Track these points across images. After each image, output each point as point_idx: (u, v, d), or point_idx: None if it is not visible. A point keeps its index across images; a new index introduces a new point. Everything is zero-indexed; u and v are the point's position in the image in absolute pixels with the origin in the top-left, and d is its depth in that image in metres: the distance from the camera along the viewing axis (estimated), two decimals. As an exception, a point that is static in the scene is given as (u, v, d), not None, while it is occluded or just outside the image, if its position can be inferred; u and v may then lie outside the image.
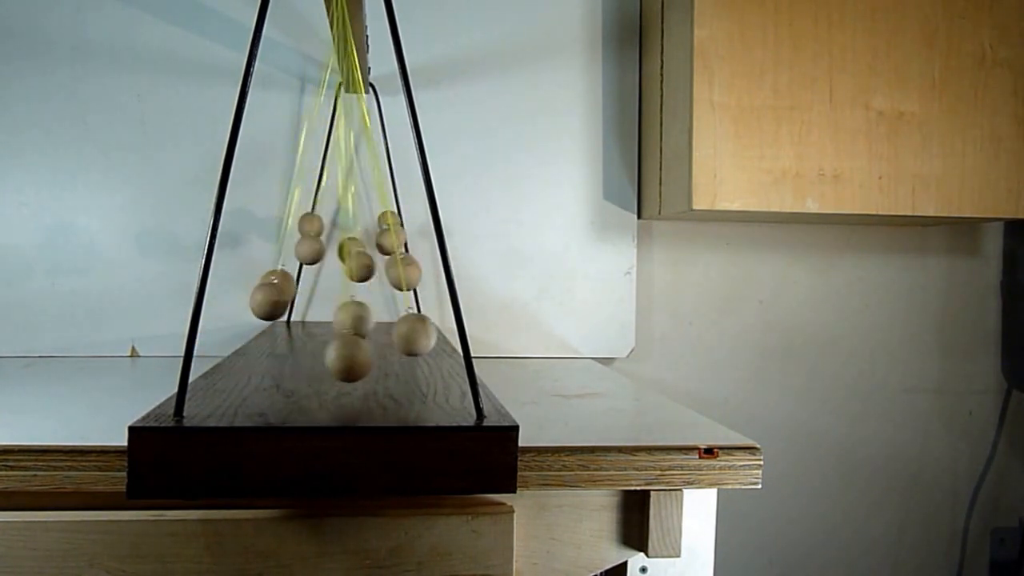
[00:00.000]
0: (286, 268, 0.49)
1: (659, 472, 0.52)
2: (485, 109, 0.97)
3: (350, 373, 0.43)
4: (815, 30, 0.85)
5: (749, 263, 1.06)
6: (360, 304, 0.47)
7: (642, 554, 0.55)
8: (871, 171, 0.86)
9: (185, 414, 0.42)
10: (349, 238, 0.71)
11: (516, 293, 0.98)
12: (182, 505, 0.50)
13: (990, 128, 0.88)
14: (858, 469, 1.09)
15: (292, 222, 0.88)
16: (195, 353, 0.42)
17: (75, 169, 0.91)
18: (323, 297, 0.95)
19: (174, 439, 0.40)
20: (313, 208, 0.89)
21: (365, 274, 0.60)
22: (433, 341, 0.45)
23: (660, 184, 0.92)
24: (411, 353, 0.45)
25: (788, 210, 0.84)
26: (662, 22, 0.92)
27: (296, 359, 0.65)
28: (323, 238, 0.83)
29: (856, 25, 0.85)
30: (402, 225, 0.91)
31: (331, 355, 0.43)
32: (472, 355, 0.46)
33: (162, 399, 0.45)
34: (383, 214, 0.85)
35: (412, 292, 0.93)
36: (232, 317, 0.92)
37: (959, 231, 1.10)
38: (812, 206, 0.85)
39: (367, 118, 0.91)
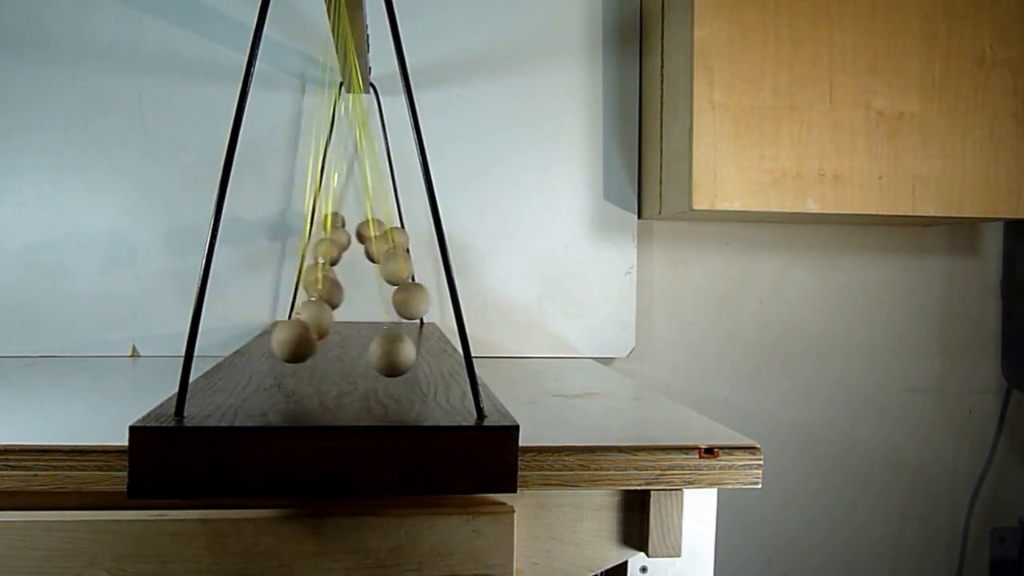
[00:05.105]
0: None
1: (659, 472, 0.52)
2: (485, 109, 0.97)
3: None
4: (815, 30, 0.85)
5: (749, 263, 1.06)
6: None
7: (642, 554, 0.56)
8: (871, 171, 0.86)
9: (186, 414, 0.42)
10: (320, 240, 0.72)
11: (516, 293, 0.98)
12: (182, 505, 0.50)
13: (990, 128, 0.88)
14: (858, 469, 1.09)
15: (311, 227, 0.89)
16: (196, 353, 0.42)
17: (75, 169, 0.91)
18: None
19: (174, 439, 0.40)
20: (313, 209, 0.89)
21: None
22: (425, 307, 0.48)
23: (660, 184, 0.92)
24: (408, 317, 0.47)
25: (788, 210, 0.84)
26: (662, 22, 0.92)
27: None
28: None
29: (856, 25, 0.85)
30: (402, 225, 0.91)
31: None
32: (472, 355, 0.46)
33: (163, 399, 0.45)
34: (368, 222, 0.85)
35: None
36: (232, 317, 0.92)
37: (959, 231, 1.10)
38: (812, 206, 0.85)
39: (364, 118, 0.91)
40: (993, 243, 1.11)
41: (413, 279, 0.94)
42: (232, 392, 0.49)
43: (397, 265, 0.59)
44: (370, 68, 0.89)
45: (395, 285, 0.54)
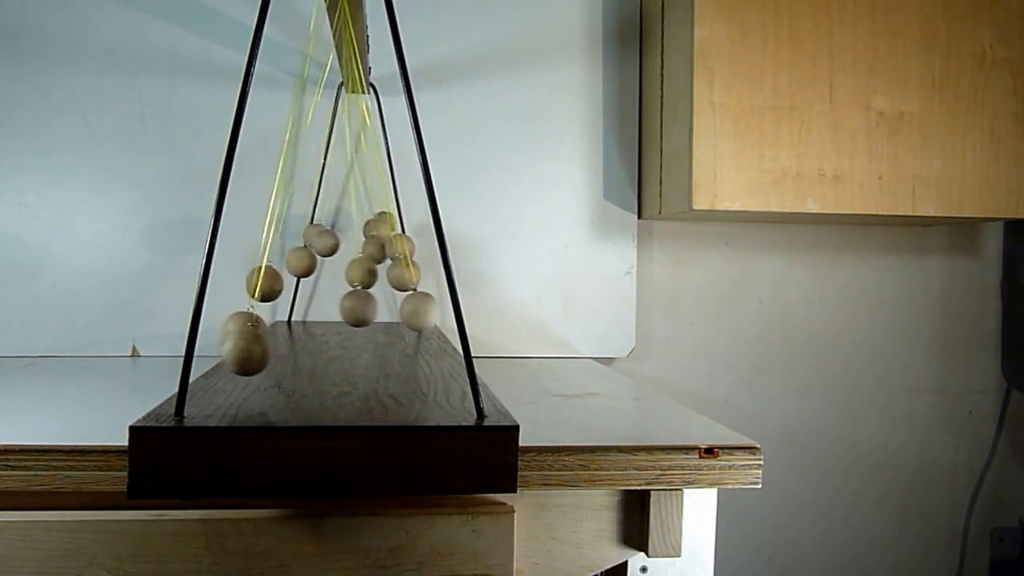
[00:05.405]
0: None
1: (659, 472, 0.52)
2: (485, 109, 0.97)
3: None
4: (815, 30, 0.85)
5: (749, 263, 1.06)
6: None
7: (642, 554, 0.56)
8: (871, 171, 0.86)
9: (185, 414, 0.42)
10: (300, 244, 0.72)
11: (516, 293, 0.98)
12: (182, 505, 0.50)
13: (990, 128, 0.88)
14: (858, 469, 1.09)
15: (276, 224, 0.89)
16: (196, 353, 0.42)
17: (75, 169, 0.91)
18: (323, 297, 0.95)
19: (174, 439, 0.40)
20: (314, 209, 0.89)
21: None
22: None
23: (660, 184, 0.92)
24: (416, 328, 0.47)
25: (788, 210, 0.84)
26: (662, 22, 0.92)
27: (296, 359, 0.65)
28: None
29: (856, 25, 0.85)
30: (403, 227, 0.92)
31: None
32: (472, 355, 0.46)
33: (162, 399, 0.45)
34: (382, 216, 0.85)
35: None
36: (232, 317, 0.91)
37: (959, 231, 1.10)
38: (812, 206, 0.85)
39: (368, 118, 0.91)
40: (993, 243, 1.11)
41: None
42: (232, 392, 0.49)
43: (403, 273, 0.58)
44: (370, 68, 0.89)
45: (402, 292, 0.54)
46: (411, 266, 0.63)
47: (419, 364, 0.63)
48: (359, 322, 0.51)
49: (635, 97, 0.99)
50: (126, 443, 0.39)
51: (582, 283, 0.99)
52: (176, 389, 0.43)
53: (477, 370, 0.46)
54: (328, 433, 0.41)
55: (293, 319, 0.93)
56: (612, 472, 0.51)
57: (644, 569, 0.57)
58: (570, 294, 0.98)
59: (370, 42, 0.86)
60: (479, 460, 0.42)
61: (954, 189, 0.87)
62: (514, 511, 0.52)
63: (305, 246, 0.81)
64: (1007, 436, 1.12)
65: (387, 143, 0.92)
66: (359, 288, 0.52)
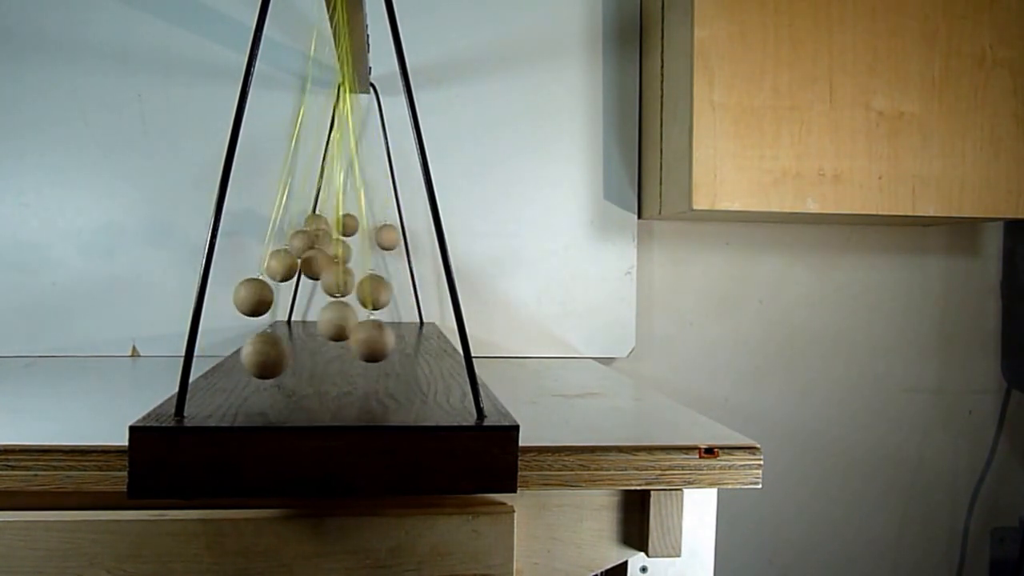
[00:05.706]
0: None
1: (659, 472, 0.52)
2: (485, 109, 0.97)
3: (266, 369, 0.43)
4: (815, 30, 0.85)
5: (749, 263, 1.06)
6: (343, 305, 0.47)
7: (642, 554, 0.56)
8: (871, 171, 0.86)
9: (186, 414, 0.42)
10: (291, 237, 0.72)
11: (516, 293, 0.98)
12: (182, 505, 0.50)
13: (990, 128, 0.88)
14: (858, 469, 1.09)
15: (280, 222, 0.89)
16: (196, 353, 0.43)
17: (75, 169, 0.91)
18: (323, 297, 0.95)
19: (174, 439, 0.40)
20: (314, 210, 0.89)
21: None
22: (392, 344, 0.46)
23: (660, 184, 0.92)
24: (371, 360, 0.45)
25: (788, 210, 0.84)
26: (662, 22, 0.92)
27: (296, 359, 0.65)
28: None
29: (856, 25, 0.85)
30: (404, 227, 0.92)
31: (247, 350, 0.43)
32: (472, 355, 0.46)
33: (163, 399, 0.45)
34: (345, 216, 0.86)
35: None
36: (233, 317, 0.91)
37: (959, 231, 1.10)
38: (812, 206, 0.85)
39: (351, 119, 0.91)
40: (993, 243, 1.11)
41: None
42: (232, 392, 0.49)
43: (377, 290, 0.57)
44: (370, 68, 0.89)
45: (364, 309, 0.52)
46: (345, 272, 0.62)
47: (419, 364, 0.63)
48: (254, 311, 0.50)
49: (635, 97, 0.99)
50: (126, 443, 0.39)
51: (582, 283, 0.99)
52: (176, 389, 0.43)
53: (477, 370, 0.46)
54: (328, 433, 0.41)
55: (293, 319, 0.93)
56: (612, 472, 0.51)
57: (644, 569, 0.57)
58: (570, 294, 0.98)
59: (370, 42, 0.86)
60: (479, 460, 0.42)
61: (954, 189, 0.87)
62: (514, 511, 0.52)
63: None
64: (1007, 436, 1.12)
65: (387, 143, 0.92)
66: (260, 278, 0.51)
